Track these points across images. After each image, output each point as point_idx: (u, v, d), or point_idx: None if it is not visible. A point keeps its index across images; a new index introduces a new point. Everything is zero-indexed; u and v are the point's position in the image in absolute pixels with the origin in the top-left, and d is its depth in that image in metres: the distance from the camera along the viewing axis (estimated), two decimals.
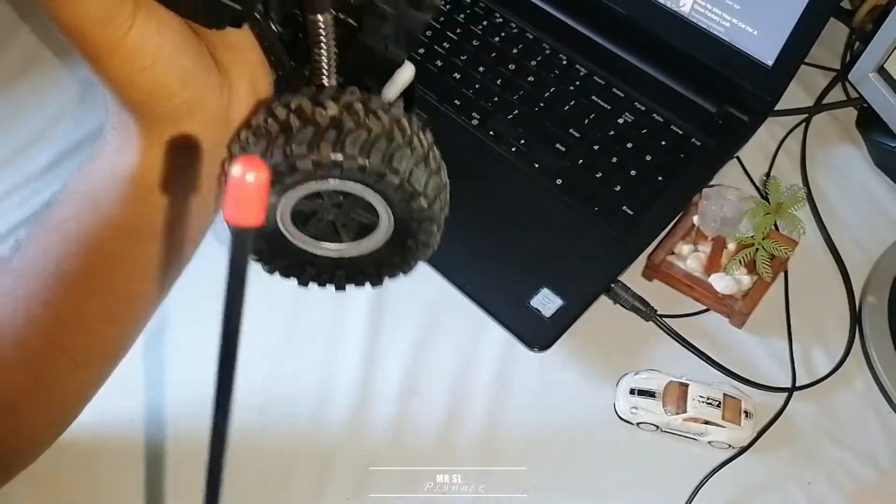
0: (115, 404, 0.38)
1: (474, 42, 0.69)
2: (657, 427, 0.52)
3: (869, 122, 0.65)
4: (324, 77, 0.29)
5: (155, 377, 0.52)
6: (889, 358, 0.55)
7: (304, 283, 0.33)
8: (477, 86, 0.66)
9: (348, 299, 0.57)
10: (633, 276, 0.58)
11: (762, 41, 0.61)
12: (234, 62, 0.31)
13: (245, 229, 0.17)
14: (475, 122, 0.64)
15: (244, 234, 0.17)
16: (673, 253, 0.58)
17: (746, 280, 0.56)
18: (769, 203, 0.59)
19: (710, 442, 0.52)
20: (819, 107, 0.69)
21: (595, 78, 0.66)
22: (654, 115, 0.64)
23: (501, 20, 0.70)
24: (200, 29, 0.30)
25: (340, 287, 0.33)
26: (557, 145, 0.63)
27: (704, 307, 0.57)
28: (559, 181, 0.61)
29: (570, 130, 0.63)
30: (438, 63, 0.67)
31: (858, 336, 0.56)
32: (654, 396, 0.52)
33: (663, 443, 0.52)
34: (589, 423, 0.53)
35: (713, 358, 0.55)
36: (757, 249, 0.56)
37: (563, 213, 0.60)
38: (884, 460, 0.52)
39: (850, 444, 0.52)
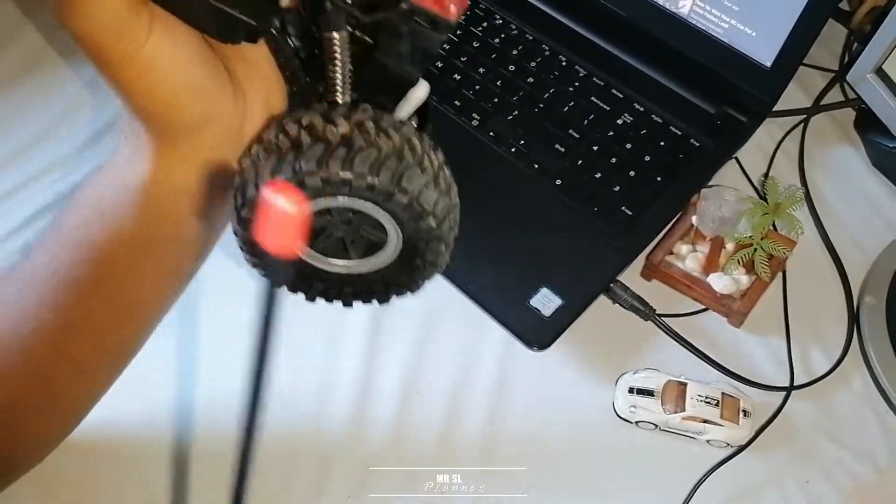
0: (117, 405, 0.38)
1: (474, 43, 0.69)
2: (656, 426, 0.52)
3: (867, 122, 0.65)
4: (338, 94, 0.30)
5: (156, 378, 0.52)
6: (887, 357, 0.55)
7: (311, 298, 0.33)
8: (477, 87, 0.66)
9: None
10: (632, 276, 0.58)
11: (761, 42, 0.62)
12: (248, 76, 0.31)
13: (281, 258, 0.17)
14: (475, 122, 0.64)
15: (279, 270, 0.17)
16: (672, 253, 0.58)
17: (745, 280, 0.57)
18: (767, 203, 0.59)
19: (708, 441, 0.52)
20: (817, 108, 0.69)
21: (594, 79, 0.67)
22: (653, 115, 0.65)
23: (501, 22, 0.70)
24: (216, 42, 0.30)
25: (348, 303, 0.33)
26: (557, 146, 0.63)
27: (703, 307, 0.58)
28: (559, 182, 0.61)
29: (570, 131, 0.64)
30: (439, 64, 0.68)
31: (856, 336, 0.57)
32: (653, 395, 0.52)
33: (662, 441, 0.52)
34: (588, 422, 0.53)
35: (712, 357, 0.55)
36: (755, 249, 0.56)
37: (563, 214, 0.60)
38: (882, 459, 0.52)
39: (848, 443, 0.53)
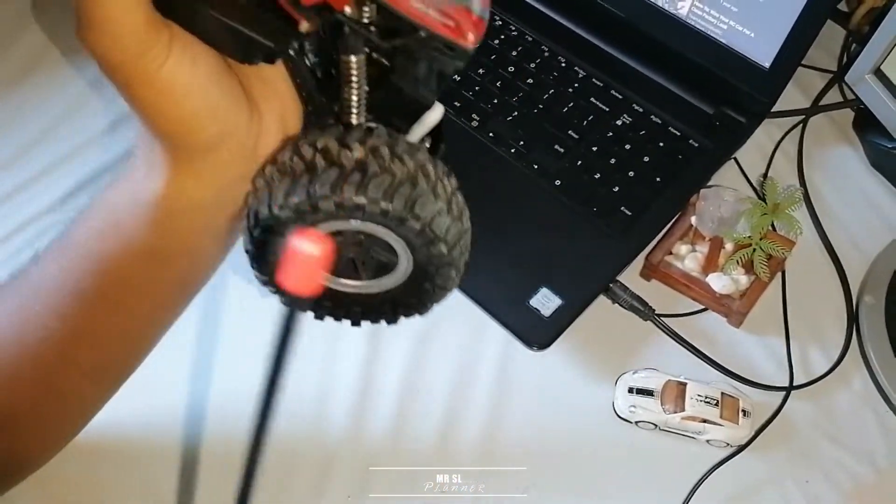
0: (121, 406, 0.38)
1: None
2: (655, 426, 0.52)
3: (865, 123, 0.66)
4: (353, 115, 0.30)
5: (159, 380, 0.52)
6: (886, 357, 0.55)
7: (319, 316, 0.33)
8: (476, 88, 0.66)
9: None
10: (631, 276, 0.58)
11: (759, 43, 0.62)
12: (265, 95, 0.31)
13: (300, 298, 0.17)
14: (475, 123, 0.64)
15: (299, 302, 0.17)
16: (671, 253, 0.58)
17: (744, 280, 0.57)
18: (766, 203, 0.59)
19: (708, 440, 0.52)
20: (816, 108, 0.69)
21: (594, 80, 0.67)
22: (653, 116, 0.65)
23: (501, 23, 0.70)
24: (233, 61, 0.30)
25: (356, 323, 0.33)
26: (556, 147, 0.63)
27: (702, 307, 0.58)
28: (558, 182, 0.61)
29: (569, 132, 0.64)
30: None
31: (856, 336, 0.57)
32: (653, 395, 0.52)
33: (662, 441, 0.52)
34: (588, 421, 0.53)
35: (711, 357, 0.55)
36: (754, 249, 0.56)
37: (562, 214, 0.60)
38: (881, 459, 0.52)
39: (847, 443, 0.53)
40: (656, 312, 0.56)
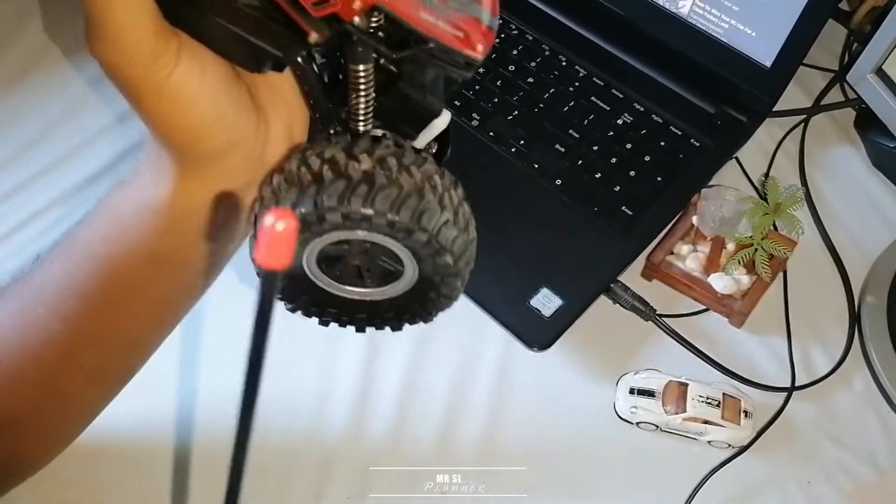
0: (120, 407, 0.38)
1: None
2: (657, 427, 0.52)
3: (867, 122, 0.65)
4: (360, 122, 0.30)
5: (160, 381, 0.52)
6: (888, 358, 0.55)
7: (324, 322, 0.33)
8: (477, 87, 0.66)
9: None
10: (632, 276, 0.58)
11: (761, 42, 0.61)
12: (272, 102, 0.31)
13: (273, 272, 0.18)
14: (475, 122, 0.64)
15: (272, 276, 0.18)
16: (672, 253, 0.58)
17: (745, 280, 0.57)
18: (768, 203, 0.59)
19: (709, 441, 0.52)
20: (817, 108, 0.69)
21: (594, 79, 0.66)
22: (653, 115, 0.65)
23: (501, 22, 0.70)
24: (241, 69, 0.30)
25: (360, 329, 0.34)
26: (557, 146, 0.63)
27: (704, 307, 0.58)
28: (559, 181, 0.61)
29: (570, 131, 0.64)
30: None
31: (857, 336, 0.57)
32: (654, 396, 0.52)
33: (663, 442, 0.52)
34: (589, 422, 0.53)
35: (712, 358, 0.55)
36: (756, 249, 0.56)
37: (563, 214, 0.60)
38: (883, 460, 0.52)
39: (849, 443, 0.52)
40: (657, 313, 0.56)
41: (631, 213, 0.59)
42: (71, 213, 0.61)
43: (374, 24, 0.27)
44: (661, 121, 0.64)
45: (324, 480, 0.50)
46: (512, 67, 0.67)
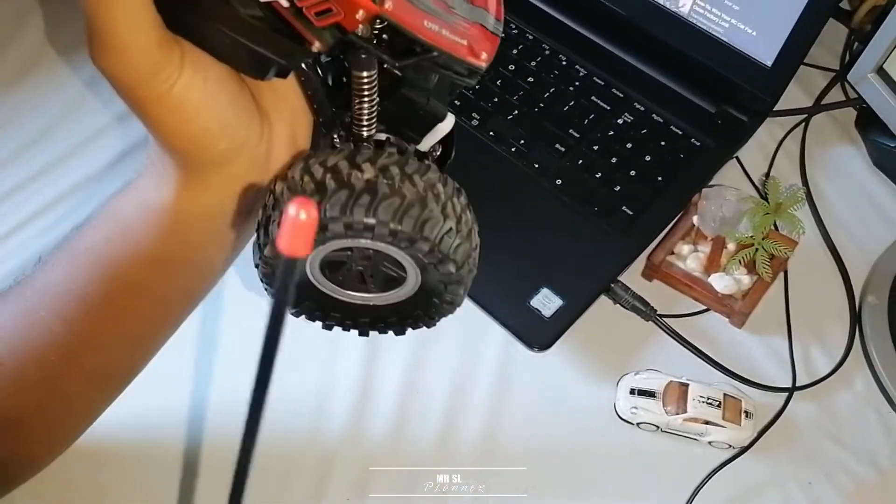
0: (121, 407, 0.38)
1: None
2: (657, 427, 0.52)
3: (868, 122, 0.65)
4: (364, 127, 0.30)
5: (161, 381, 0.52)
6: (889, 358, 0.55)
7: (328, 326, 0.33)
8: (477, 86, 0.66)
9: None
10: (633, 276, 0.58)
11: (761, 42, 0.61)
12: (276, 107, 0.31)
13: (293, 259, 0.19)
14: (475, 122, 0.64)
15: (292, 264, 0.19)
16: (673, 253, 0.58)
17: (746, 280, 0.56)
18: (769, 203, 0.59)
19: (710, 442, 0.51)
20: (818, 107, 0.69)
21: (595, 78, 0.66)
22: (654, 115, 0.64)
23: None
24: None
25: (363, 333, 0.34)
26: (557, 145, 0.63)
27: (704, 307, 0.57)
28: (559, 181, 0.61)
29: (570, 131, 0.64)
30: None
31: (858, 336, 0.56)
32: (655, 396, 0.52)
33: (663, 443, 0.52)
34: (589, 423, 0.53)
35: (713, 358, 0.55)
36: (757, 249, 0.56)
37: (563, 214, 0.60)
38: (884, 460, 0.52)
39: (850, 444, 0.52)
40: (658, 313, 0.56)
41: (631, 213, 0.59)
42: (71, 213, 0.61)
43: (377, 32, 0.27)
44: (661, 120, 0.64)
45: (324, 480, 0.50)
46: (512, 67, 0.67)
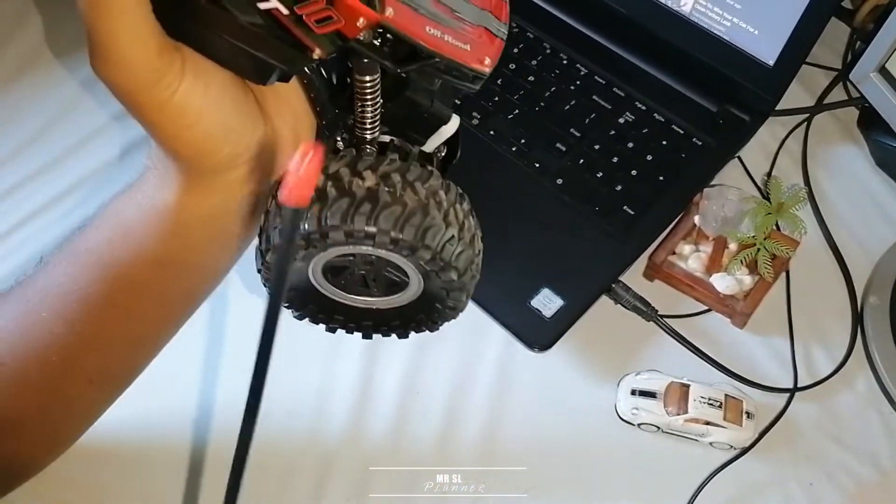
0: (118, 408, 0.38)
1: None
2: (658, 428, 0.52)
3: (870, 121, 0.65)
4: (367, 130, 0.30)
5: (162, 382, 0.52)
6: (891, 358, 0.54)
7: (331, 329, 0.34)
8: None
9: None
10: (634, 277, 0.58)
11: (763, 41, 0.61)
12: (278, 110, 0.31)
13: (296, 210, 0.19)
14: (475, 121, 0.64)
15: (296, 214, 0.19)
16: (674, 253, 0.58)
17: (748, 280, 0.56)
18: (770, 203, 0.58)
19: (711, 443, 0.51)
20: (820, 106, 0.68)
21: (596, 77, 0.66)
22: (655, 114, 0.64)
23: None
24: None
25: (367, 336, 0.34)
26: (558, 145, 0.63)
27: (706, 307, 0.57)
28: (560, 181, 0.61)
29: (571, 130, 0.63)
30: None
31: (860, 336, 0.56)
32: (656, 397, 0.52)
33: (664, 444, 0.52)
34: (589, 423, 0.53)
35: (714, 358, 0.55)
36: (758, 249, 0.56)
37: (564, 213, 0.59)
38: (885, 461, 0.52)
39: (851, 444, 0.52)
40: (659, 313, 0.56)
41: (632, 213, 0.59)
42: (70, 212, 0.61)
43: (378, 38, 0.27)
44: (662, 119, 0.64)
45: (324, 480, 0.50)
46: (513, 66, 0.67)
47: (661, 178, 0.61)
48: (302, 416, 0.53)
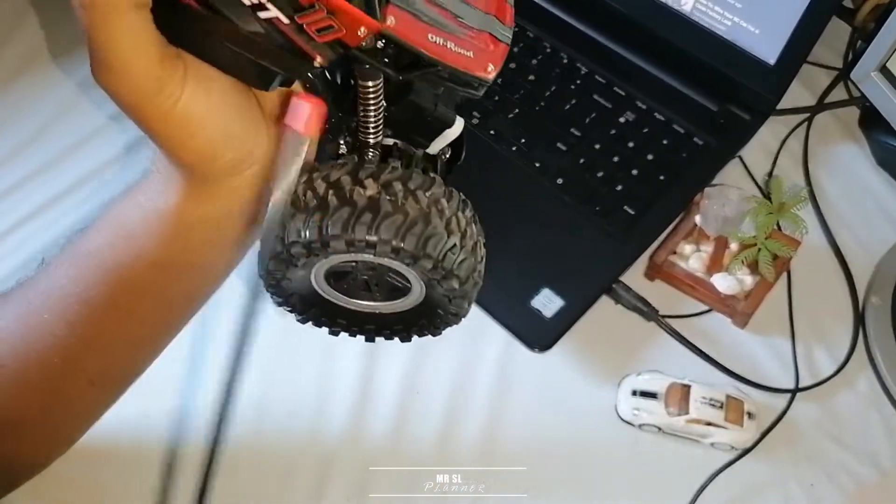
0: (119, 408, 0.38)
1: None
2: (659, 428, 0.52)
3: (871, 121, 0.65)
4: (370, 135, 0.30)
5: (162, 382, 0.52)
6: (893, 359, 0.54)
7: (334, 332, 0.34)
8: None
9: None
10: (634, 277, 0.58)
11: (764, 40, 0.61)
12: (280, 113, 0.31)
13: (300, 136, 0.21)
14: (475, 121, 0.64)
15: (298, 140, 0.20)
16: (675, 253, 0.58)
17: (749, 280, 0.56)
18: (771, 202, 0.58)
19: (712, 444, 0.51)
20: (821, 106, 0.68)
21: (596, 77, 0.66)
22: (656, 114, 0.64)
23: None
24: None
25: (370, 339, 0.34)
26: (558, 144, 0.62)
27: (707, 307, 0.57)
28: (560, 181, 0.61)
29: (571, 130, 0.63)
30: None
31: (862, 337, 0.56)
32: (657, 398, 0.51)
33: (665, 444, 0.52)
34: (590, 424, 0.53)
35: (715, 359, 0.54)
36: (759, 249, 0.56)
37: (564, 213, 0.59)
38: (886, 461, 0.52)
39: (852, 445, 0.52)
40: (660, 313, 0.55)
41: (633, 213, 0.59)
42: (69, 211, 0.61)
43: (380, 45, 0.27)
44: (663, 119, 0.64)
45: (324, 480, 0.50)
46: (513, 65, 0.67)
47: (661, 177, 0.61)
48: (302, 416, 0.52)
